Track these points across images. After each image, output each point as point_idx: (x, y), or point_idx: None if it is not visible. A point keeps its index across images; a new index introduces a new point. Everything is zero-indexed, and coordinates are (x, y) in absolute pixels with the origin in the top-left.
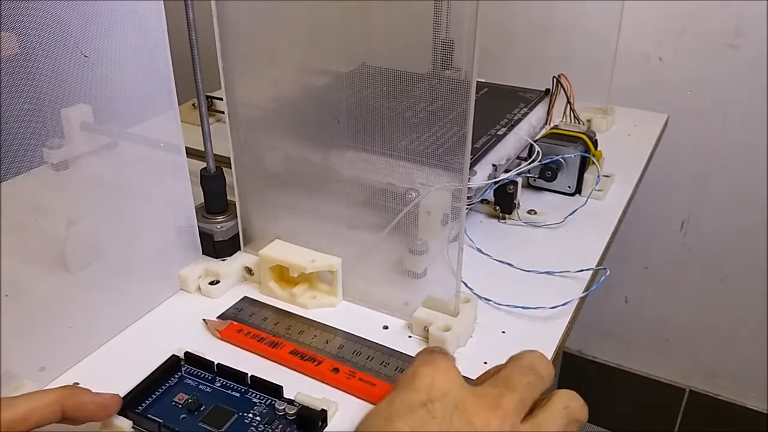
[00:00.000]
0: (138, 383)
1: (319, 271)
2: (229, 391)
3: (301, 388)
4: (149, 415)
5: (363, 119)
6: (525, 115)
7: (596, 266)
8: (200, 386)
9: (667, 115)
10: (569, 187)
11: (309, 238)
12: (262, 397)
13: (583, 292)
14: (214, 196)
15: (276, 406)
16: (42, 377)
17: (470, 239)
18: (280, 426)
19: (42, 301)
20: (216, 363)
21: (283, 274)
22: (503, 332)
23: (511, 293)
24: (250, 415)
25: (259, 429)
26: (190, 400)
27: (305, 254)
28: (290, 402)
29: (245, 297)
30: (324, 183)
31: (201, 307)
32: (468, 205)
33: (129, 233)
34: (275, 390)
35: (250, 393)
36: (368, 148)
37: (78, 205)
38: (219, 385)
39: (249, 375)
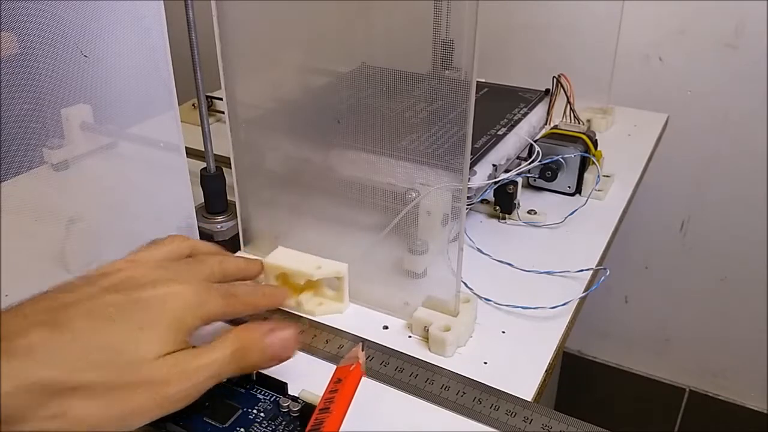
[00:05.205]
0: None
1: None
2: (235, 387)
3: (304, 385)
4: None
5: (363, 119)
6: (525, 115)
7: (596, 266)
8: None
9: (667, 115)
10: (569, 187)
11: (309, 237)
12: (266, 394)
13: (583, 292)
14: (214, 196)
15: (280, 402)
16: None
17: (470, 239)
18: (284, 422)
19: None
20: None
21: (287, 281)
22: (503, 332)
23: (511, 293)
24: (255, 410)
25: (263, 425)
26: None
27: (310, 260)
28: (294, 399)
29: None
30: (324, 183)
31: None
32: (468, 205)
33: (129, 233)
34: (280, 387)
35: (255, 389)
36: (368, 148)
37: (78, 205)
38: (224, 380)
39: (254, 371)
